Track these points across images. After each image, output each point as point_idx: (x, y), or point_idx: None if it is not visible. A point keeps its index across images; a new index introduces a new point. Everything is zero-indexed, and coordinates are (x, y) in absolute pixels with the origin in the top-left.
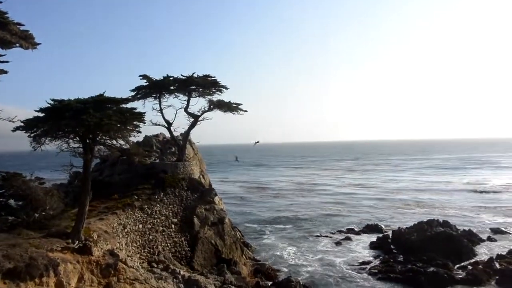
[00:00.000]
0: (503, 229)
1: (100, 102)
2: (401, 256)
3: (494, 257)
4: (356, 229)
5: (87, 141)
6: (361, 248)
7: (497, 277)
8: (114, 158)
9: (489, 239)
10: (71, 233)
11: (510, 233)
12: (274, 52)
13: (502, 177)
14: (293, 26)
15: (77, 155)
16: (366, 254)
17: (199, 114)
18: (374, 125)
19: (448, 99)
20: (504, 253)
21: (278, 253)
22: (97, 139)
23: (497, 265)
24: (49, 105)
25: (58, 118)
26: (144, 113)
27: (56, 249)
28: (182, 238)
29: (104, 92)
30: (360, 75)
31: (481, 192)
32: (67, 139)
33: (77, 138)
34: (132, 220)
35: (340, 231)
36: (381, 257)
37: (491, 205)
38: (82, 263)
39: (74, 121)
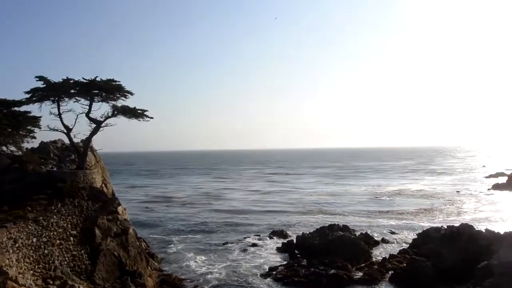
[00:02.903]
0: (395, 231)
1: None
2: (305, 260)
3: (387, 257)
4: (262, 235)
5: None
6: (267, 253)
7: (390, 275)
8: (4, 165)
9: (383, 240)
10: None
11: (401, 234)
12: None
13: (393, 183)
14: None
15: None
16: (272, 260)
17: (102, 120)
18: (288, 134)
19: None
20: (395, 253)
21: (185, 263)
22: None
23: (390, 265)
24: None
25: None
26: (40, 117)
27: None
28: (82, 251)
29: None
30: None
31: (376, 197)
32: None
33: None
34: (25, 233)
35: (246, 238)
36: (286, 262)
37: (385, 209)
38: None
39: None
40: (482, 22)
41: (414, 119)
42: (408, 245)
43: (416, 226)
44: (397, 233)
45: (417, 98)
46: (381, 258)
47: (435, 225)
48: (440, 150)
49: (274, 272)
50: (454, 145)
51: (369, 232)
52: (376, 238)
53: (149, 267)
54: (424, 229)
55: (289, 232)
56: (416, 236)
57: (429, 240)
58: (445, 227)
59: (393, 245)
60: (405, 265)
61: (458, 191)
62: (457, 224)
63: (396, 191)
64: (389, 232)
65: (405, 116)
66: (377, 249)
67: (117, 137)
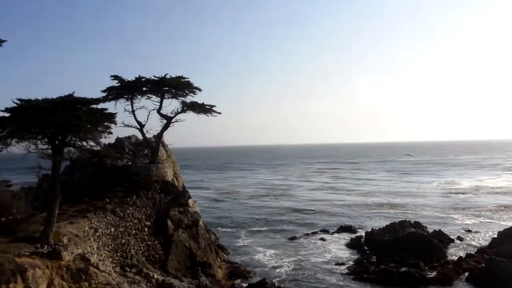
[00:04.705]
0: (472, 229)
1: (70, 103)
2: (374, 256)
3: (463, 256)
4: (330, 231)
5: (56, 142)
6: (335, 249)
7: (466, 275)
8: (85, 160)
9: (459, 238)
10: (40, 238)
11: (478, 233)
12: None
13: (468, 179)
14: None
15: (46, 157)
16: (340, 255)
17: (172, 115)
18: (344, 128)
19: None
20: (473, 252)
21: (253, 255)
22: (67, 140)
23: (466, 264)
24: (16, 105)
25: (25, 118)
26: (116, 114)
27: (24, 254)
28: (156, 242)
29: (73, 93)
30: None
31: (450, 193)
32: (34, 140)
33: (45, 139)
34: (104, 223)
35: (314, 233)
36: (354, 258)
37: (460, 206)
38: (52, 268)
39: (42, 122)
40: None
41: (479, 111)
42: (486, 244)
43: (496, 225)
44: (474, 231)
45: (475, 89)
46: (457, 257)
47: None
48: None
49: (342, 268)
50: None
51: (443, 229)
52: (450, 236)
53: (218, 259)
54: (505, 227)
55: (357, 228)
56: (495, 235)
57: (511, 240)
58: None
59: (470, 243)
60: (483, 265)
61: None
62: None
63: (472, 187)
64: (465, 230)
65: (472, 108)
66: (451, 247)
67: (184, 133)
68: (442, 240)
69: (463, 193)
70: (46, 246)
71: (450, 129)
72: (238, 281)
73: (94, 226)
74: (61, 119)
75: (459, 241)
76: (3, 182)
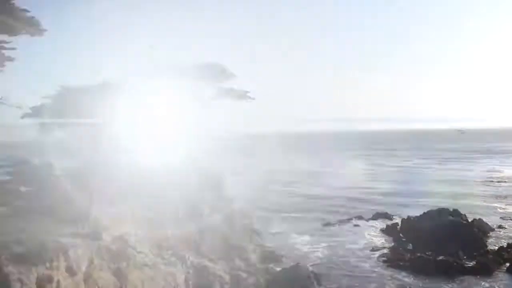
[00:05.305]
0: None
1: None
2: (410, 244)
3: (504, 246)
4: (365, 217)
5: None
6: (370, 236)
7: (507, 266)
8: None
9: (501, 228)
10: (81, 219)
11: None
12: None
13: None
14: None
15: None
16: (375, 242)
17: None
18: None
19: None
20: None
21: (287, 240)
22: None
23: (508, 255)
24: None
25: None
26: None
27: (66, 235)
28: (191, 224)
29: None
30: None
31: (492, 181)
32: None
33: None
34: (141, 206)
35: (349, 219)
36: (390, 245)
37: (502, 194)
38: (92, 249)
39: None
40: None
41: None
42: None
43: None
44: None
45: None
46: (498, 247)
47: None
48: None
49: (377, 254)
50: None
51: (483, 218)
52: (491, 225)
53: (252, 243)
54: None
55: (393, 215)
56: None
57: None
58: None
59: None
60: None
61: None
62: None
63: None
64: (508, 219)
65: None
66: (492, 237)
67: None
68: (482, 229)
69: (505, 181)
70: (86, 228)
71: (493, 115)
72: (271, 265)
73: (132, 208)
74: None
75: (500, 231)
76: (47, 166)
